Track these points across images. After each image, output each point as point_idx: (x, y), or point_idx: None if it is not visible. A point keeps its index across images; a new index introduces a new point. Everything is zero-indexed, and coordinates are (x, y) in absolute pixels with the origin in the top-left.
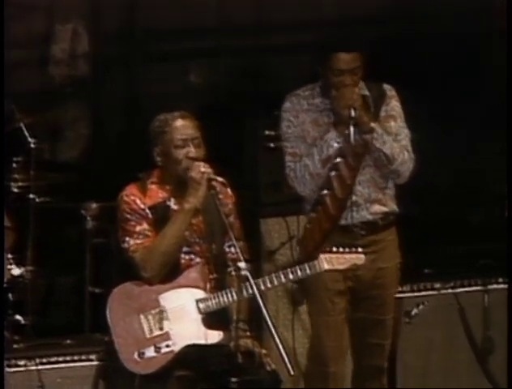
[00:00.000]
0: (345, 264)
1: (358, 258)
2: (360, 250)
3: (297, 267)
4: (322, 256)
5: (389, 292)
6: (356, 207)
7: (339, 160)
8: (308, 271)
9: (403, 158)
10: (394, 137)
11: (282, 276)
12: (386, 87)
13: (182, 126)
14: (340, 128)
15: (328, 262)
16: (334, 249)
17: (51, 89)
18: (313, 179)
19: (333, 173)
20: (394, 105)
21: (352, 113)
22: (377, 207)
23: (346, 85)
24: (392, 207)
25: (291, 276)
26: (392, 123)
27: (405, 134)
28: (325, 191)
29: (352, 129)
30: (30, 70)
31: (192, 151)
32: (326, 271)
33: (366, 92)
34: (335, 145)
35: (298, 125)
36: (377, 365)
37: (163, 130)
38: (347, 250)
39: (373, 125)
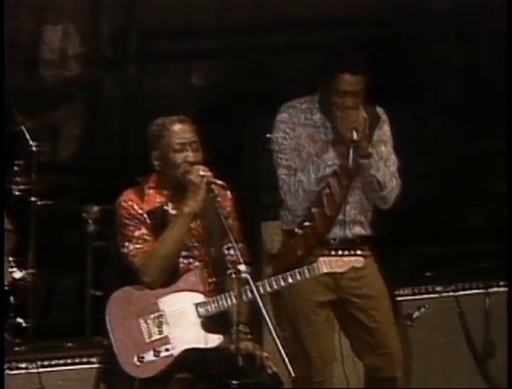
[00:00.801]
0: (344, 267)
1: (357, 260)
2: (358, 252)
3: (296, 271)
4: (321, 259)
5: (377, 300)
6: (340, 226)
7: (332, 178)
8: (307, 275)
9: (392, 185)
10: (384, 162)
11: (281, 280)
12: (379, 110)
13: (180, 130)
14: (339, 148)
15: (327, 265)
16: (333, 252)
17: (45, 90)
18: (306, 195)
19: (325, 191)
20: (385, 130)
21: (355, 136)
22: (358, 229)
23: (348, 107)
24: (369, 231)
25: (290, 280)
26: (383, 148)
27: (393, 161)
28: (314, 209)
29: (351, 151)
30: (23, 71)
31: (190, 155)
32: (325, 273)
33: (365, 115)
34: (333, 166)
35: (294, 138)
36: (386, 375)
37: (161, 134)
38: (346, 252)
39: (371, 150)
